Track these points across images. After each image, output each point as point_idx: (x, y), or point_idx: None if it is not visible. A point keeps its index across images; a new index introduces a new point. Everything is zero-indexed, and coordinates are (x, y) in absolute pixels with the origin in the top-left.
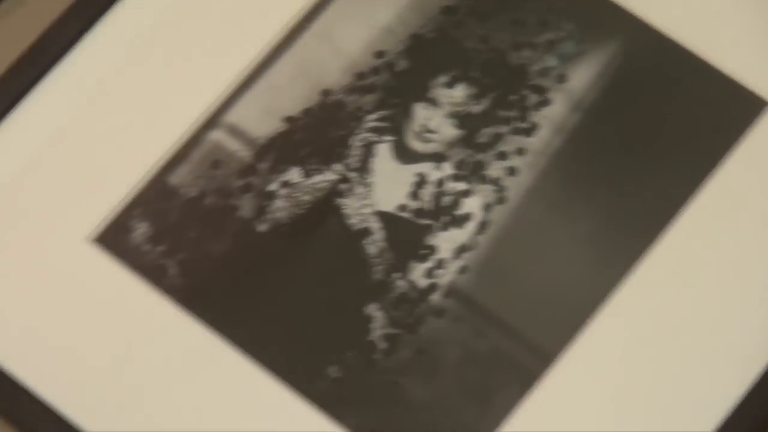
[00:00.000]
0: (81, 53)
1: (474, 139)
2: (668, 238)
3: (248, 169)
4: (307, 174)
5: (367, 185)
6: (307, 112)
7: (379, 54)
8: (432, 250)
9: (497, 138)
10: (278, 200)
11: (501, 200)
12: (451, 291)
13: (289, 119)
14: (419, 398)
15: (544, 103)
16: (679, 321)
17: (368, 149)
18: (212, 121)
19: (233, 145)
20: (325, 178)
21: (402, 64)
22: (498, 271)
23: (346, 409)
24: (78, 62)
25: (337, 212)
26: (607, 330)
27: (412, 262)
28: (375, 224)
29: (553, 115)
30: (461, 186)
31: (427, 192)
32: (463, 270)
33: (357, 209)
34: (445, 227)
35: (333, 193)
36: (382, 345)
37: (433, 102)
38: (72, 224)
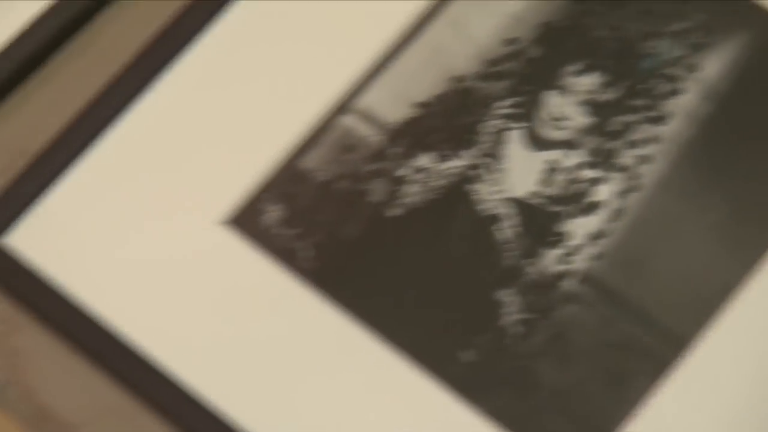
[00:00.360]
0: (214, 37)
1: (605, 127)
2: None
3: (380, 154)
4: (439, 159)
5: (498, 172)
6: (438, 98)
7: (510, 41)
8: (564, 236)
9: (629, 126)
10: (410, 185)
11: (635, 188)
12: (586, 277)
13: (420, 105)
14: (552, 383)
15: (675, 92)
16: None
17: (499, 136)
18: (344, 106)
19: (365, 130)
20: (456, 163)
21: (533, 52)
22: (632, 258)
23: (479, 392)
24: (210, 47)
25: (467, 198)
26: (740, 317)
27: (543, 248)
28: (506, 210)
29: (685, 104)
30: (593, 173)
31: (559, 179)
32: (597, 256)
33: (488, 195)
34: (577, 214)
35: (464, 179)
36: (516, 330)
37: (564, 90)
38: (206, 207)
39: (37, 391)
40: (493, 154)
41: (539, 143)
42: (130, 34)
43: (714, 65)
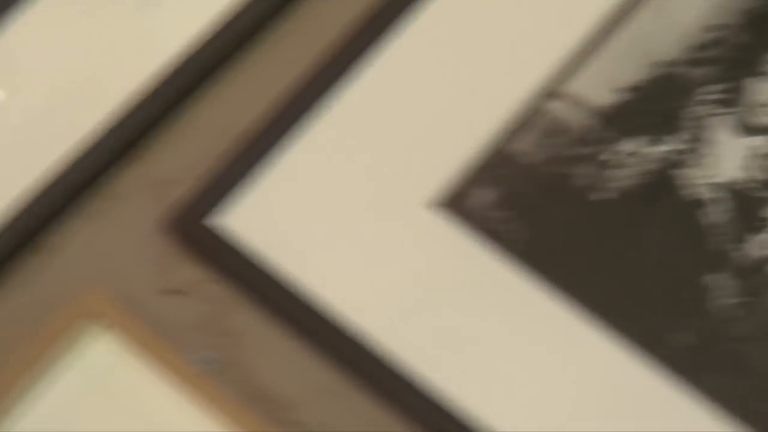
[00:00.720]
0: (423, 21)
1: None
2: None
3: (586, 138)
4: (645, 144)
5: (704, 156)
6: (644, 83)
7: (715, 28)
8: None
9: None
10: (616, 170)
11: None
12: None
13: (626, 90)
14: (764, 367)
15: None
16: None
17: (705, 121)
18: (551, 90)
19: (571, 114)
20: (662, 148)
21: (738, 38)
22: None
23: (690, 374)
24: (419, 30)
25: (673, 183)
26: None
27: (750, 233)
28: (712, 195)
29: None
30: None
31: (766, 164)
32: None
33: (694, 180)
34: None
35: (670, 163)
36: (727, 313)
37: None
38: (415, 189)
39: (254, 370)
40: (699, 140)
41: (746, 129)
42: (337, 17)
43: None
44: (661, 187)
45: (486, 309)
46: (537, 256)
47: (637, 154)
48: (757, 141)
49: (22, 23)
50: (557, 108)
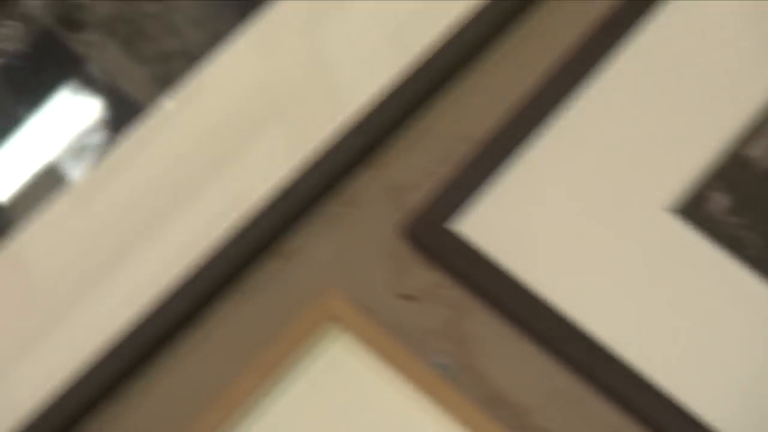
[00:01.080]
0: (654, 28)
1: None
2: None
3: None
4: None
5: None
6: None
7: None
8: None
9: None
10: None
11: None
12: None
13: None
14: None
15: None
16: None
17: None
18: None
19: None
20: None
21: None
22: None
23: None
24: (649, 38)
25: None
26: None
27: None
28: None
29: None
30: None
31: None
32: None
33: None
34: None
35: None
36: None
37: None
38: (651, 194)
39: (490, 375)
40: None
41: None
42: (573, 21)
43: None
44: None
45: (724, 317)
46: None
47: None
48: None
49: (268, 21)
50: None
